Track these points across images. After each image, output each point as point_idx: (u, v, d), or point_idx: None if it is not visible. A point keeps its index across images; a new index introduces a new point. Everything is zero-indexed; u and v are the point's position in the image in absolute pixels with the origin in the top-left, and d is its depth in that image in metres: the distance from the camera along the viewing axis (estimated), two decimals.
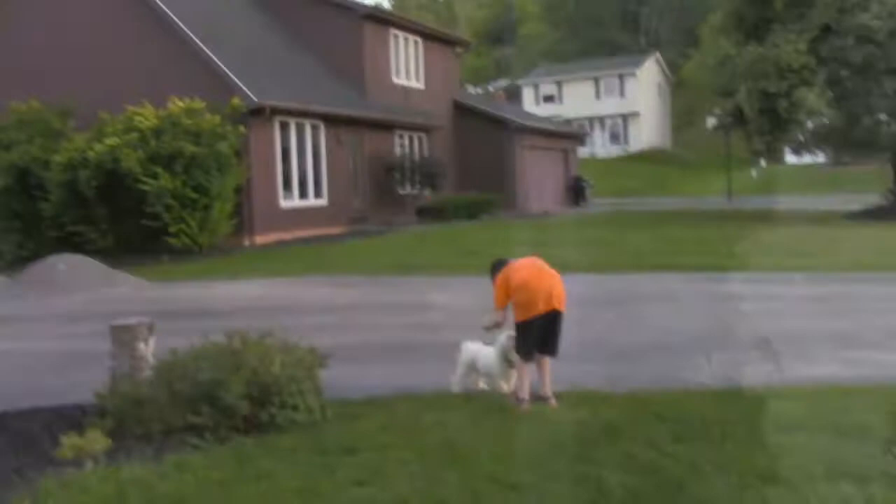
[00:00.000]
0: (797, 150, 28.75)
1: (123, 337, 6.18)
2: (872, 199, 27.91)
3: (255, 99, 20.36)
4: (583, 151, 47.82)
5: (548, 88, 61.65)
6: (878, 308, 10.65)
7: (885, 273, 13.89)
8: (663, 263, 15.43)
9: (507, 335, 6.54)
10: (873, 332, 8.97)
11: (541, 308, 6.25)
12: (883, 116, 24.42)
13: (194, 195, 19.01)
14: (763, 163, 43.09)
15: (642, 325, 9.84)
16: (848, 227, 22.60)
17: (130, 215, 19.84)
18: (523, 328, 6.33)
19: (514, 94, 59.35)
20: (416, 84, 28.87)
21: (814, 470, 4.64)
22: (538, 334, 6.32)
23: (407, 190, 26.94)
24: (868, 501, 4.21)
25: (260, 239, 20.90)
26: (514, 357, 6.44)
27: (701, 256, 16.44)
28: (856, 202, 29.40)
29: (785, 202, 35.05)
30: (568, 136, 37.37)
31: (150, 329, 6.30)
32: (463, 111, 30.96)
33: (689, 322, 9.89)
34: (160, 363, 5.99)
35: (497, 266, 6.66)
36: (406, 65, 28.40)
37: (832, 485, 4.44)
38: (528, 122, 32.43)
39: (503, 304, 6.45)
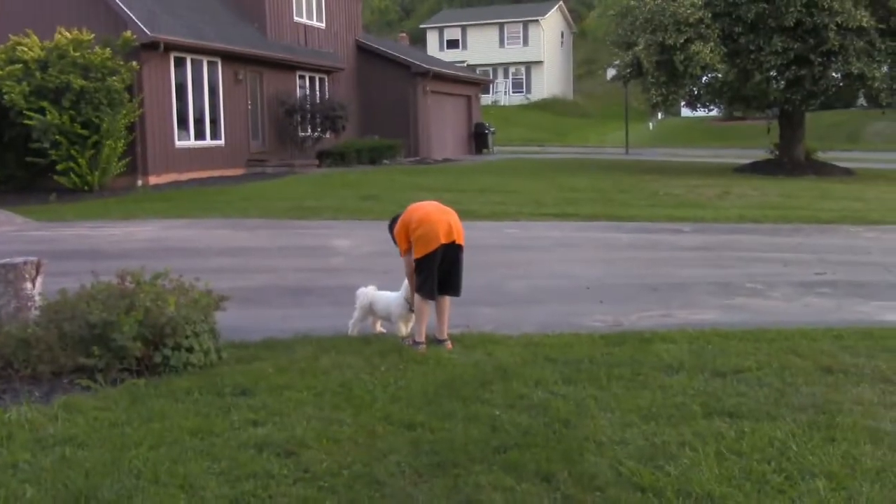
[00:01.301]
0: (691, 104, 29.53)
1: (8, 276, 5.98)
2: (760, 153, 29.06)
3: (147, 32, 19.59)
4: (486, 99, 47.98)
5: (452, 33, 61.32)
6: (758, 257, 11.21)
7: (767, 224, 14.60)
8: (561, 212, 15.78)
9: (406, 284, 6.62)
10: (752, 280, 9.45)
11: (441, 239, 6.29)
12: (772, 73, 25.31)
13: (83, 132, 18.27)
14: (659, 115, 44.19)
15: (538, 271, 10.08)
16: (735, 180, 23.53)
17: (14, 151, 18.96)
18: (425, 263, 6.34)
19: (418, 39, 58.81)
20: (318, 23, 28.28)
21: (691, 408, 4.93)
22: (440, 270, 6.37)
23: (308, 133, 26.55)
24: (738, 434, 4.50)
25: (154, 179, 20.31)
26: (415, 301, 6.52)
27: (597, 206, 16.88)
28: (744, 156, 30.56)
29: (679, 154, 36.14)
30: (472, 82, 37.39)
31: (37, 268, 6.11)
32: (365, 53, 30.54)
33: (583, 268, 10.19)
34: (48, 303, 5.83)
35: (395, 220, 6.70)
36: (308, 3, 27.75)
37: (707, 421, 4.72)
38: (432, 67, 32.29)
39: (407, 247, 6.50)
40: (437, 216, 6.38)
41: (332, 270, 10.12)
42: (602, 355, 6.08)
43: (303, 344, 6.38)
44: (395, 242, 6.65)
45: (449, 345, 6.43)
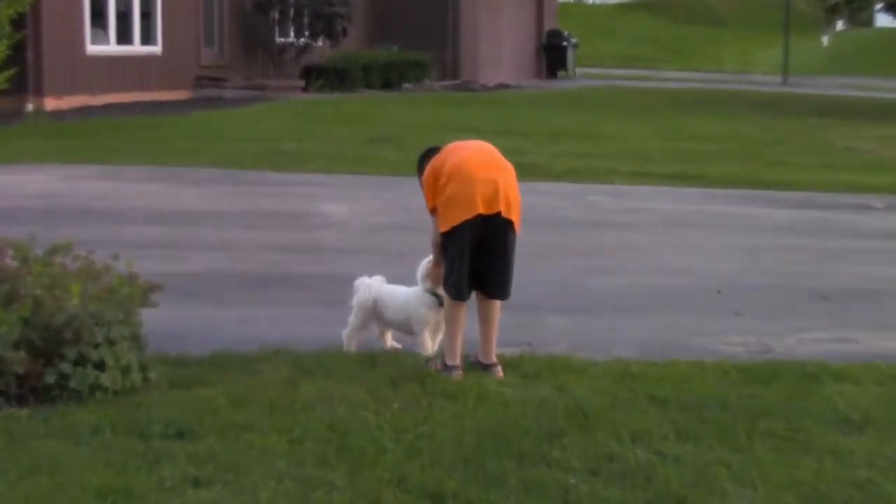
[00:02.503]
0: (893, 7, 29.09)
1: None
2: None
3: None
4: None
5: None
6: None
7: None
8: (678, 172, 15.68)
9: (429, 259, 6.61)
10: None
11: (480, 207, 6.17)
12: None
13: None
14: (839, 24, 43.69)
15: (639, 263, 10.03)
16: None
17: None
18: (451, 240, 6.28)
19: None
20: None
21: (883, 488, 4.85)
22: (475, 255, 6.30)
23: (289, 38, 26.58)
24: None
25: (52, 103, 20.44)
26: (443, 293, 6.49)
27: (735, 164, 16.73)
28: None
29: (868, 86, 35.65)
30: None
31: None
32: None
33: (710, 261, 10.13)
34: None
35: (428, 155, 6.66)
36: None
37: None
38: None
39: (436, 204, 6.39)
40: (479, 169, 6.29)
41: (319, 251, 10.13)
42: (739, 398, 6.00)
43: (272, 362, 6.36)
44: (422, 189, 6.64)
45: (499, 372, 6.40)
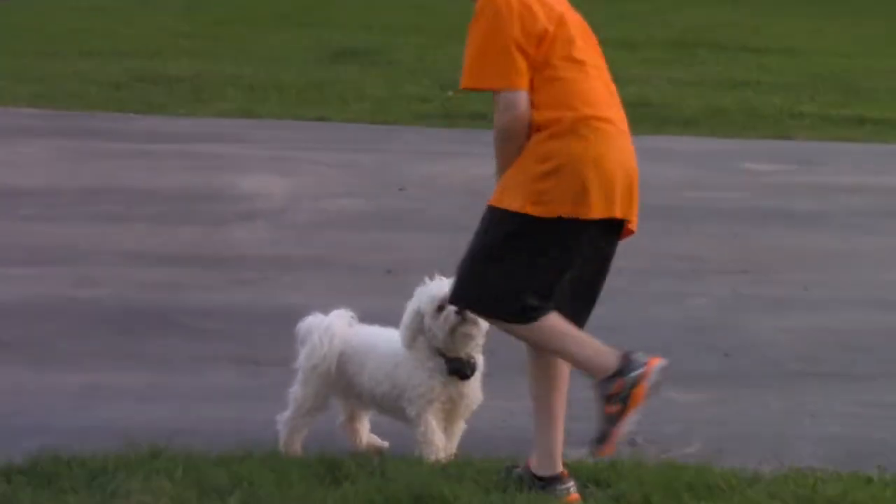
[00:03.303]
0: None
1: None
2: None
3: None
4: None
5: None
6: None
7: None
8: None
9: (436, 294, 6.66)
10: None
11: (616, 207, 6.26)
12: None
13: None
14: None
15: (843, 287, 10.23)
16: None
17: None
18: (548, 237, 6.29)
19: None
20: None
21: None
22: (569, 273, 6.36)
23: None
24: None
25: None
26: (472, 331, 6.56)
27: None
28: None
29: None
30: None
31: None
32: None
33: None
34: None
35: None
36: None
37: None
38: None
39: (518, 66, 6.18)
40: (617, 134, 6.41)
41: (234, 263, 10.32)
42: None
43: (146, 472, 6.38)
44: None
45: (572, 492, 6.48)
